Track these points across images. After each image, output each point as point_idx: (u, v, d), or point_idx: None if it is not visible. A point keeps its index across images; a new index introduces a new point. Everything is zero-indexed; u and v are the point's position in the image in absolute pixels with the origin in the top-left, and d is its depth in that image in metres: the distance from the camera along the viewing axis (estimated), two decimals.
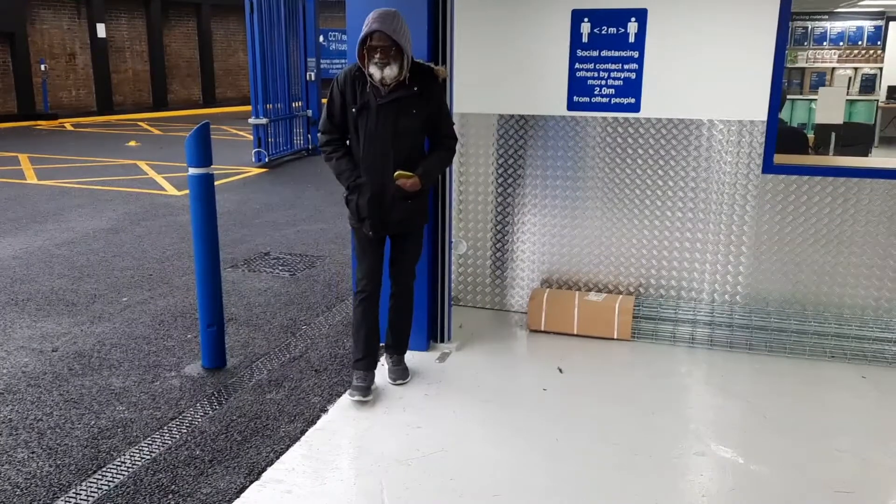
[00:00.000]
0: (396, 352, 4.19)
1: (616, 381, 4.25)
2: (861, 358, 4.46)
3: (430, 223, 4.42)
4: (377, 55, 3.51)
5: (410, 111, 3.67)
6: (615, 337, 4.76)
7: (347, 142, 3.82)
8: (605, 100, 4.79)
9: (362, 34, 3.50)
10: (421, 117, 3.72)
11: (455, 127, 3.97)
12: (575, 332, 4.81)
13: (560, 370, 4.35)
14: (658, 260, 4.94)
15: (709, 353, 4.60)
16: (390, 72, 3.55)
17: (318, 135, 3.91)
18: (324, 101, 4.57)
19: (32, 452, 3.49)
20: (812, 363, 4.44)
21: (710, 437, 3.61)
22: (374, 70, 3.56)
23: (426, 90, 3.70)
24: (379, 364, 4.14)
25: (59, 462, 3.41)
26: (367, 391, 3.92)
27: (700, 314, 4.84)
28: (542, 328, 4.87)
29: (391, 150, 3.68)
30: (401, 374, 4.16)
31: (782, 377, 4.27)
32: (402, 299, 4.08)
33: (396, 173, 3.64)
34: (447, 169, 4.25)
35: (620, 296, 4.92)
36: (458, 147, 4.09)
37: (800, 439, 3.60)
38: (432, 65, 3.78)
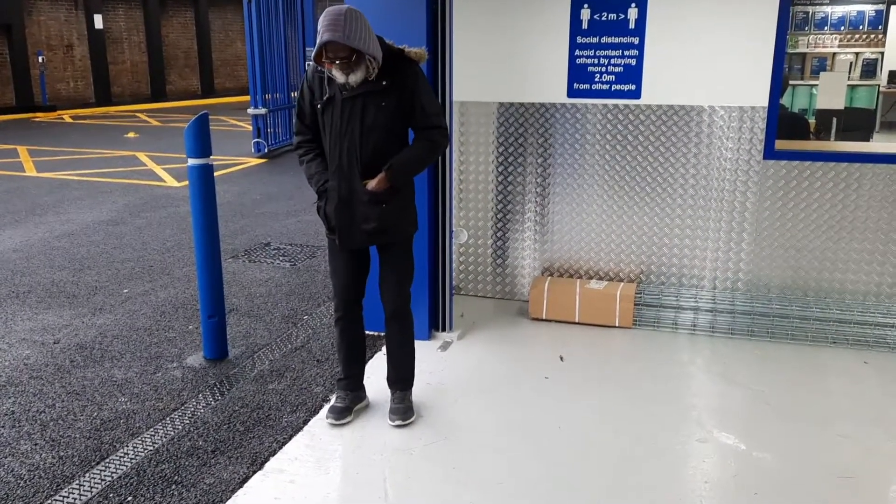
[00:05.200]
0: (396, 387, 3.67)
1: (618, 368, 4.25)
2: (863, 343, 4.45)
3: (429, 216, 4.40)
4: (337, 64, 3.11)
5: (379, 103, 3.23)
6: (617, 325, 4.75)
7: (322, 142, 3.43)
8: (605, 87, 4.77)
9: (317, 44, 3.08)
10: (392, 109, 3.26)
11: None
12: (576, 321, 4.81)
13: (561, 358, 4.35)
14: (659, 247, 4.93)
15: (710, 339, 4.60)
16: (355, 77, 3.16)
17: (293, 136, 3.55)
18: None
19: (35, 444, 3.50)
20: (814, 349, 4.44)
21: (713, 424, 3.61)
22: (337, 74, 3.16)
23: (397, 80, 3.24)
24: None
25: (62, 454, 3.41)
26: (342, 413, 3.60)
27: (702, 301, 4.83)
28: (544, 316, 4.86)
29: (359, 149, 3.26)
30: (401, 414, 3.58)
31: (784, 363, 4.26)
32: (394, 326, 3.59)
33: (364, 181, 3.28)
34: (434, 161, 3.73)
35: (622, 283, 4.91)
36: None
37: (802, 425, 3.60)
38: (405, 48, 3.29)
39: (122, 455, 3.39)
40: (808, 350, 4.43)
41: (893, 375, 4.13)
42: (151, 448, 3.44)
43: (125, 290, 5.65)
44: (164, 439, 3.52)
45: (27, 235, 7.22)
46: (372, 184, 3.25)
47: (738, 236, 4.79)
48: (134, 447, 3.46)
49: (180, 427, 3.63)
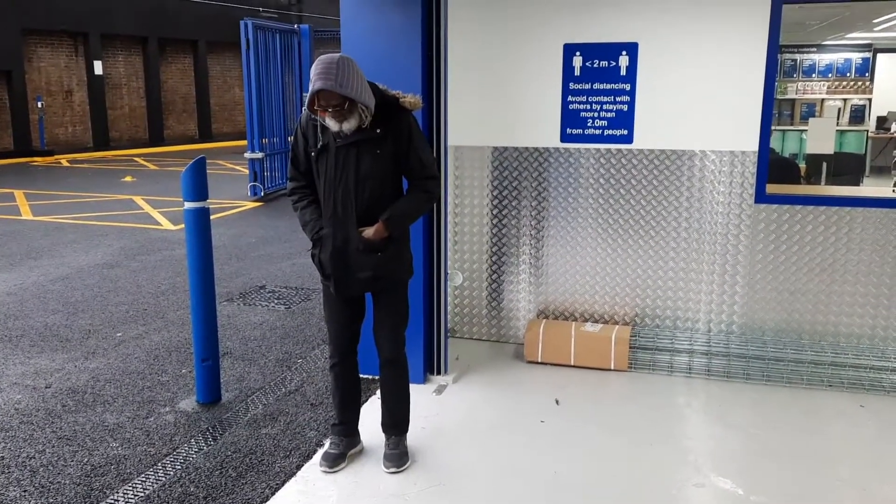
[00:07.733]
0: (392, 432, 3.63)
1: (614, 412, 4.23)
2: (858, 387, 4.44)
3: (424, 258, 4.42)
4: (329, 112, 3.13)
5: (374, 151, 3.23)
6: (612, 368, 4.74)
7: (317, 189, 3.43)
8: (598, 132, 4.84)
9: (309, 92, 3.09)
10: (387, 157, 3.26)
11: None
12: (572, 363, 4.79)
13: (557, 402, 4.33)
14: (654, 290, 4.95)
15: (706, 383, 4.58)
16: (348, 125, 3.17)
17: (287, 182, 3.57)
18: None
19: (24, 491, 3.44)
20: (810, 392, 4.43)
21: (710, 469, 3.58)
22: (331, 122, 3.17)
23: (391, 128, 3.25)
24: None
25: (51, 500, 3.36)
26: (336, 460, 3.57)
27: (697, 344, 4.83)
28: (539, 359, 4.85)
29: (354, 197, 3.26)
30: (396, 460, 3.55)
31: (780, 407, 4.25)
32: (389, 370, 3.56)
33: (361, 229, 3.28)
34: (429, 210, 3.77)
35: (617, 326, 4.92)
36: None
37: (799, 469, 3.58)
38: (398, 94, 3.31)
39: (113, 502, 3.34)
40: (803, 393, 4.42)
41: (889, 419, 4.12)
42: (142, 494, 3.40)
43: (118, 334, 5.62)
44: (156, 485, 3.48)
45: (21, 279, 7.21)
46: (369, 233, 3.25)
47: (732, 279, 4.82)
48: (125, 493, 3.41)
49: (172, 473, 3.59)
